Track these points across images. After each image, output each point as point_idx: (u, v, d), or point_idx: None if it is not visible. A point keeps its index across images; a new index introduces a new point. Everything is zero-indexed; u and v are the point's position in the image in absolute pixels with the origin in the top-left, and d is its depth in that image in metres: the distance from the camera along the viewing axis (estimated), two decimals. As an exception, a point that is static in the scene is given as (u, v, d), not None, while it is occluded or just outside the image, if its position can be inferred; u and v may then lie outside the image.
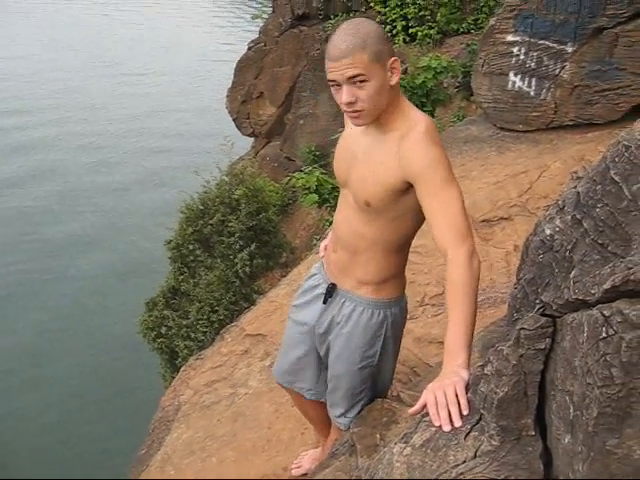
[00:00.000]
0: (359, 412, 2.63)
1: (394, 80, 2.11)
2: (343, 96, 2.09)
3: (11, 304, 16.15)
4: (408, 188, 2.14)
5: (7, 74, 33.08)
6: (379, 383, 2.63)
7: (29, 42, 38.08)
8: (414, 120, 2.14)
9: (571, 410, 1.43)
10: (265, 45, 16.43)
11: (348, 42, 2.05)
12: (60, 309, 16.07)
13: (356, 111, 2.13)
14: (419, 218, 2.24)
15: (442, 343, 3.60)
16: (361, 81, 2.06)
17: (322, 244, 2.78)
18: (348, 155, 2.36)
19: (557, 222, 1.74)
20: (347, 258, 2.43)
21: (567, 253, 1.59)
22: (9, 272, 17.63)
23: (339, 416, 2.68)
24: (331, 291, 2.50)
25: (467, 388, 1.81)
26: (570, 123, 6.04)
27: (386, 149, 2.17)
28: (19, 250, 18.78)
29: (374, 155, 2.22)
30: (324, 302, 2.52)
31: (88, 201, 21.68)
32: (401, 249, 2.39)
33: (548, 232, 1.76)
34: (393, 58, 2.09)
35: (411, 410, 1.89)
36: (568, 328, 1.49)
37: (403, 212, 2.23)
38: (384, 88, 2.10)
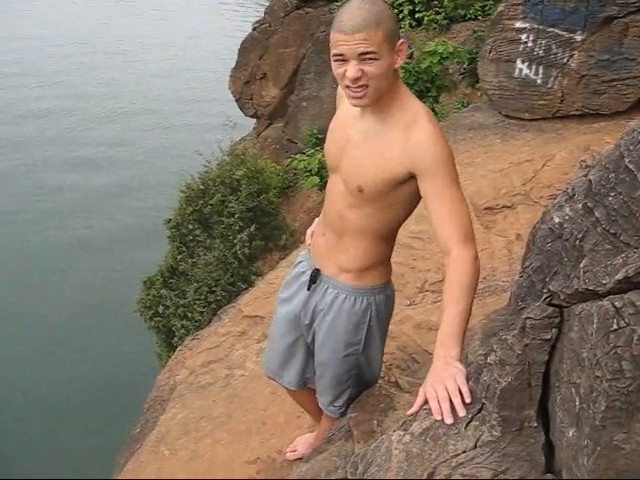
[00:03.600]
0: (347, 401, 2.61)
1: (399, 62, 2.06)
2: (350, 71, 2.01)
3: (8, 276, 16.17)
4: (407, 180, 2.11)
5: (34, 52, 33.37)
6: (367, 372, 2.59)
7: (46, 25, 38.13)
8: (415, 110, 2.10)
9: (577, 403, 1.40)
10: (270, 26, 16.30)
11: (364, 16, 1.97)
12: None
13: (360, 87, 2.04)
14: (409, 209, 2.23)
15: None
16: (371, 59, 1.99)
17: (308, 231, 2.74)
18: (341, 139, 2.29)
19: (567, 210, 1.70)
20: (333, 243, 2.39)
21: (577, 242, 1.55)
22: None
23: (327, 405, 2.65)
24: (315, 277, 2.47)
25: (467, 379, 1.78)
26: (576, 113, 5.99)
27: (389, 137, 2.12)
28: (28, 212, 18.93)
29: (373, 142, 2.17)
30: (308, 288, 2.49)
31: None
32: (387, 237, 2.35)
33: (557, 220, 1.72)
34: (402, 40, 2.03)
35: (410, 411, 1.85)
36: (576, 319, 1.45)
37: (395, 201, 2.20)
38: (390, 69, 2.05)
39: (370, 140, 2.17)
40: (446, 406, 1.72)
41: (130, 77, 31.08)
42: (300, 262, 2.62)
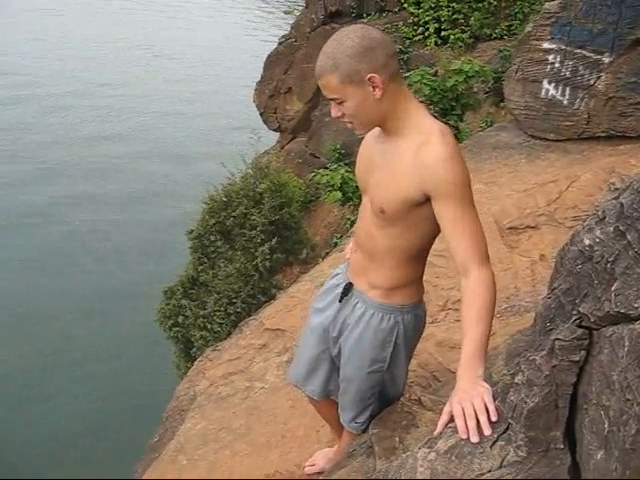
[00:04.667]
0: (369, 417, 2.62)
1: (378, 94, 2.06)
2: (332, 111, 2.16)
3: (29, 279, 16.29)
4: (426, 201, 2.12)
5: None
6: (390, 390, 2.60)
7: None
8: (428, 129, 2.08)
9: (606, 425, 1.40)
10: (296, 41, 16.40)
11: (321, 63, 2.07)
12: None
13: (348, 122, 2.16)
14: (435, 228, 2.20)
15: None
16: (339, 102, 2.09)
17: (348, 246, 2.77)
18: (367, 161, 2.34)
19: (597, 233, 1.70)
20: (364, 260, 2.42)
21: (608, 265, 1.55)
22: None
23: (349, 421, 2.66)
24: (347, 290, 2.50)
25: (494, 398, 1.78)
26: (602, 134, 5.97)
27: (401, 159, 2.13)
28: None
29: (390, 163, 2.19)
30: (340, 300, 2.52)
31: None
32: (417, 257, 2.35)
33: (587, 242, 1.72)
34: (369, 75, 2.02)
35: (436, 432, 1.85)
36: (606, 341, 1.46)
37: (417, 222, 2.20)
38: (367, 103, 2.08)
39: (387, 162, 2.20)
40: (472, 424, 1.72)
41: (157, 82, 31.41)
42: (337, 274, 2.65)
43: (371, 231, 2.33)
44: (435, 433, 1.85)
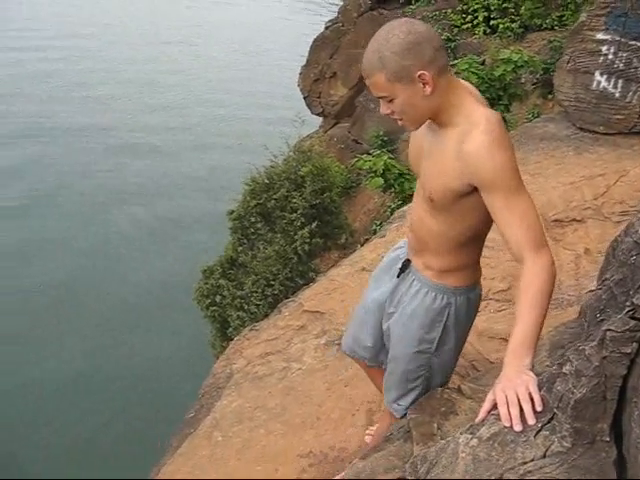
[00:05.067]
0: (413, 401, 2.61)
1: (428, 90, 2.03)
2: (381, 109, 2.14)
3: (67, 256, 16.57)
4: (473, 191, 2.10)
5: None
6: (436, 376, 2.60)
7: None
8: (475, 118, 2.04)
9: (657, 419, 1.37)
10: (342, 25, 16.30)
11: (368, 61, 2.05)
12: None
13: (397, 119, 2.15)
14: (487, 217, 2.15)
15: (504, 340, 3.55)
16: (389, 100, 2.08)
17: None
18: (419, 148, 2.34)
19: (653, 224, 1.66)
20: (417, 243, 2.45)
21: (665, 256, 1.52)
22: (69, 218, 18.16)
23: (392, 402, 2.67)
24: (405, 267, 2.53)
25: (539, 387, 1.76)
26: (654, 129, 5.86)
27: (447, 149, 2.11)
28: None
29: (437, 153, 2.18)
30: (398, 276, 2.54)
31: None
32: (467, 244, 2.33)
33: (643, 234, 1.69)
34: (420, 72, 1.99)
35: (477, 419, 1.83)
36: (661, 334, 1.43)
37: (466, 212, 2.19)
38: (416, 99, 2.05)
39: (435, 152, 2.19)
40: (515, 412, 1.70)
41: (199, 66, 31.52)
42: (400, 247, 2.68)
43: (422, 216, 2.35)
44: (477, 420, 1.83)
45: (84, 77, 29.18)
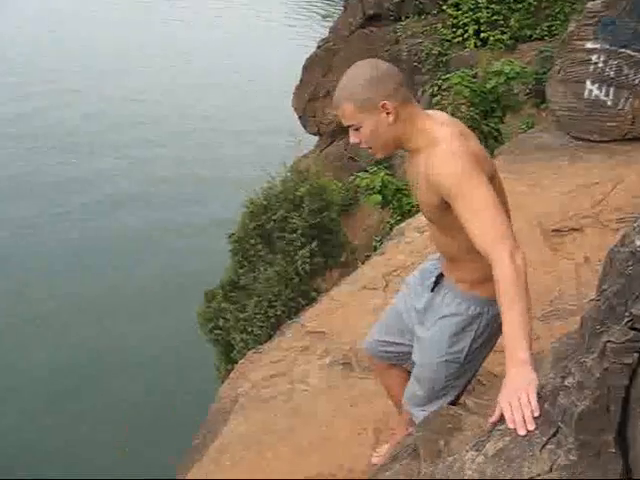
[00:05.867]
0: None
1: (391, 119, 2.26)
2: (350, 139, 2.37)
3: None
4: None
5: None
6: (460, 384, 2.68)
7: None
8: (434, 139, 2.24)
9: (661, 429, 1.37)
10: (334, 44, 16.40)
11: (338, 93, 2.32)
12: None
13: (367, 147, 2.37)
14: None
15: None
16: (355, 128, 2.31)
17: None
18: (409, 176, 2.52)
19: (649, 234, 1.67)
20: (443, 259, 2.60)
21: (661, 266, 1.53)
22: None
23: (417, 406, 2.71)
24: (438, 280, 2.61)
25: (539, 395, 1.77)
26: (648, 135, 5.88)
27: (419, 171, 2.31)
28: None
29: (415, 177, 2.38)
30: (432, 290, 2.62)
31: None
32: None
33: (638, 243, 1.69)
34: (383, 102, 2.23)
35: (491, 419, 1.87)
36: (660, 344, 1.43)
37: (459, 224, 2.25)
38: (381, 127, 2.28)
39: (414, 176, 2.43)
40: (519, 417, 1.74)
41: (190, 86, 31.53)
42: (435, 259, 2.76)
43: (434, 234, 2.53)
44: (490, 421, 1.87)
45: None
